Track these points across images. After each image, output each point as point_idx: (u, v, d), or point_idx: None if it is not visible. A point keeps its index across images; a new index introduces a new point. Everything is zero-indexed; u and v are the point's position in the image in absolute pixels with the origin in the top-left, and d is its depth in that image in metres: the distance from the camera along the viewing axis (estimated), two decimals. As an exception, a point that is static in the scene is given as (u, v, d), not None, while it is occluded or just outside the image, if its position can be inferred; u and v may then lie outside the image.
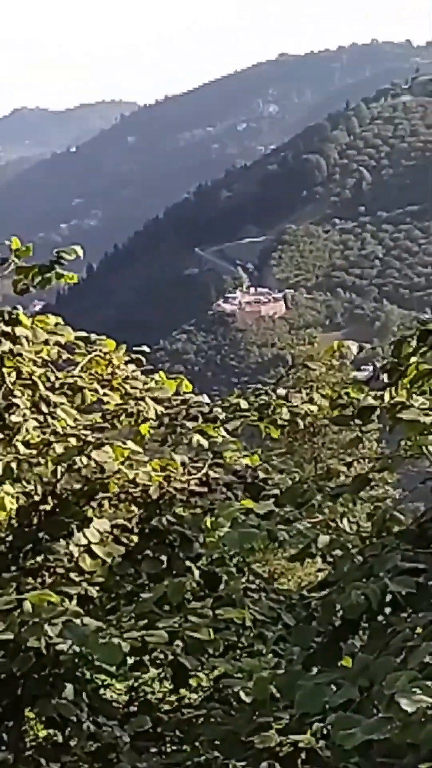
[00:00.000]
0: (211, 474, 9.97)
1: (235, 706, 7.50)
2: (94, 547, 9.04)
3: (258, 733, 7.32)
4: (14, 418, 9.54)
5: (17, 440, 9.47)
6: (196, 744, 7.73)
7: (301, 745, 7.28)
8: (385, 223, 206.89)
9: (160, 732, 7.97)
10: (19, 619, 7.55)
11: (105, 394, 10.48)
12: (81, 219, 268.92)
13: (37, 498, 9.44)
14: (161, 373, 11.36)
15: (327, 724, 6.68)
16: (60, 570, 8.98)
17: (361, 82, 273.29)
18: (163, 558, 9.21)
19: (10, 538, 9.39)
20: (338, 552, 8.20)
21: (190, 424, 10.73)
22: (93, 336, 10.95)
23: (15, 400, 9.62)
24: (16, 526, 9.41)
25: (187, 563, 9.06)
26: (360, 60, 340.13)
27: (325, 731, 6.95)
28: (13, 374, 9.72)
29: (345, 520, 8.73)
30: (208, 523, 9.03)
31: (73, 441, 9.54)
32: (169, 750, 7.81)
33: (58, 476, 9.41)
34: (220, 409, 11.22)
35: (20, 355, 9.82)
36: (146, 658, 8.04)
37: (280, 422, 11.17)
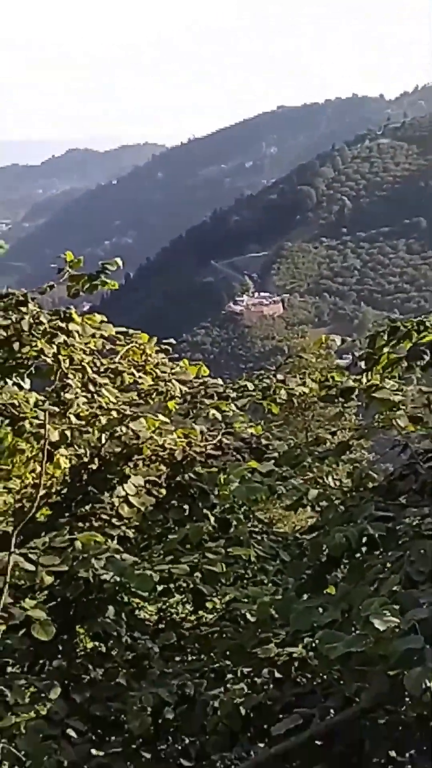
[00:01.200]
0: (224, 441, 10.01)
1: (242, 624, 7.54)
2: (131, 498, 9.09)
3: (260, 646, 7.34)
4: (68, 396, 9.60)
5: (70, 413, 9.52)
6: (211, 654, 7.76)
7: (294, 655, 7.31)
8: (363, 241, 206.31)
9: (182, 645, 8.00)
10: (72, 555, 7.61)
11: (140, 377, 10.52)
12: (120, 237, 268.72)
13: (85, 459, 9.48)
14: (184, 360, 11.39)
15: (315, 639, 6.70)
16: (104, 516, 9.02)
17: (344, 129, 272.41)
18: (186, 507, 9.26)
19: (64, 491, 9.43)
20: (324, 503, 8.22)
21: (207, 401, 10.77)
22: (130, 330, 10.99)
23: (68, 381, 9.68)
24: (69, 482, 9.46)
25: (205, 511, 9.10)
26: (342, 111, 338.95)
27: (313, 644, 6.96)
28: (67, 361, 9.76)
29: (330, 478, 8.74)
30: (221, 480, 9.06)
31: (114, 414, 9.59)
32: (189, 659, 7.84)
33: (103, 442, 9.45)
34: (231, 390, 11.26)
35: (72, 345, 9.87)
36: (172, 586, 8.09)
37: (278, 400, 11.19)
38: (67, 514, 9.12)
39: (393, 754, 7.23)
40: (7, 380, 9.61)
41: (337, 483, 8.81)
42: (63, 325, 10.02)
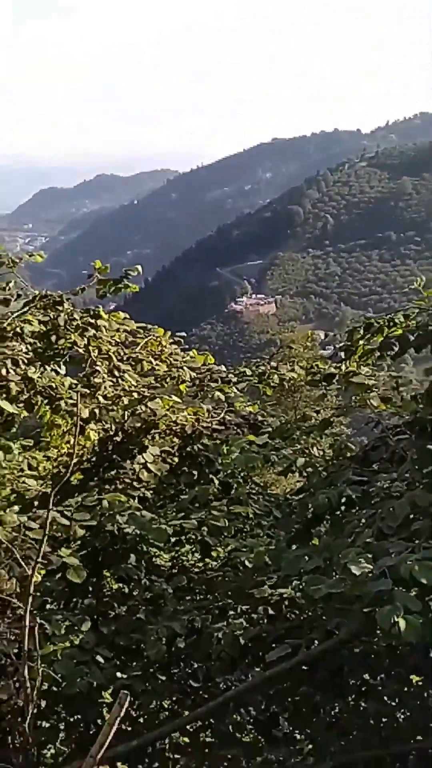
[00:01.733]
0: (227, 417, 10.02)
1: (242, 569, 7.56)
2: (149, 465, 9.11)
3: (256, 588, 7.35)
4: (96, 380, 9.60)
5: (98, 394, 9.52)
6: (216, 594, 7.79)
7: (285, 595, 7.32)
8: (342, 252, 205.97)
9: (191, 586, 8.03)
10: (100, 512, 7.64)
11: (156, 364, 10.53)
12: (140, 249, 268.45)
13: (111, 433, 9.50)
14: (193, 350, 11.40)
15: (302, 582, 6.73)
16: (126, 480, 9.04)
17: (327, 157, 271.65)
18: (195, 473, 9.28)
19: (93, 459, 9.45)
20: (310, 469, 8.22)
21: (212, 385, 10.77)
22: (148, 326, 11.00)
23: (97, 368, 9.69)
24: (98, 451, 9.47)
25: (210, 476, 9.12)
26: (326, 142, 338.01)
27: (301, 587, 6.99)
28: (96, 351, 9.79)
29: (315, 448, 8.74)
30: (224, 450, 9.08)
31: (135, 395, 9.60)
32: (198, 598, 7.87)
33: (125, 418, 9.47)
34: (232, 375, 11.27)
35: (100, 338, 9.90)
36: (183, 538, 8.10)
37: (272, 384, 11.20)
38: (95, 478, 9.15)
39: (367, 677, 7.28)
40: (46, 367, 9.62)
41: (321, 453, 8.81)
42: (92, 321, 10.05)
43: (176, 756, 7.88)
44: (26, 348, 9.62)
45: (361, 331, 7.64)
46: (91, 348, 9.78)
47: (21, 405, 9.20)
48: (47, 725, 7.15)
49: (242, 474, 8.98)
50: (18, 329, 9.78)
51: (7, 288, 10.40)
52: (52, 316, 10.00)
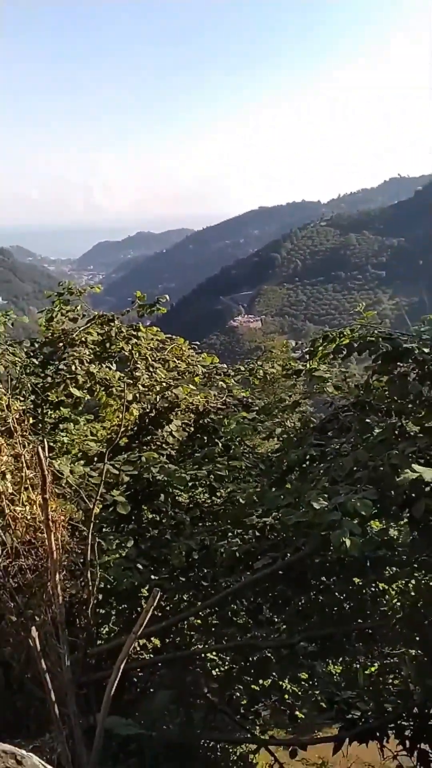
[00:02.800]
0: (227, 400, 10.01)
1: (237, 504, 7.55)
2: (174, 433, 9.10)
3: (248, 517, 7.36)
4: (137, 374, 9.62)
5: (139, 384, 9.54)
6: (220, 521, 7.79)
7: (267, 522, 7.32)
8: (307, 285, 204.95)
9: (203, 516, 8.02)
10: (139, 465, 7.63)
11: (178, 363, 10.53)
12: (167, 283, 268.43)
13: (147, 410, 9.49)
14: (204, 354, 11.39)
15: (279, 513, 6.74)
16: (158, 443, 9.04)
17: (297, 220, 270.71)
18: (205, 438, 9.27)
19: (135, 428, 9.44)
20: (285, 436, 8.22)
21: (217, 377, 10.77)
22: (173, 336, 11.00)
23: (137, 365, 9.71)
24: (138, 423, 9.46)
25: (216, 440, 9.11)
26: (296, 209, 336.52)
27: (278, 517, 6.99)
28: (137, 353, 9.82)
29: (288, 422, 8.74)
30: (226, 422, 9.07)
31: (164, 384, 9.61)
32: (207, 524, 7.86)
33: (157, 400, 9.46)
34: (231, 371, 11.27)
35: (140, 344, 9.91)
36: (197, 483, 8.09)
37: (258, 377, 11.19)
38: (136, 442, 9.16)
39: (323, 579, 7.29)
40: (103, 365, 9.64)
41: (292, 424, 8.81)
42: (134, 332, 10.10)
43: (192, 633, 7.94)
44: (89, 351, 9.64)
45: (321, 341, 7.63)
46: (133, 351, 9.82)
47: (85, 391, 9.22)
48: (102, 612, 7.19)
49: (238, 439, 8.98)
50: (83, 338, 9.81)
51: (76, 310, 10.44)
52: (106, 330, 10.04)
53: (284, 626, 7.40)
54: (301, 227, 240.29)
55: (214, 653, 7.86)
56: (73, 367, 9.18)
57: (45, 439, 6.04)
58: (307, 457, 7.07)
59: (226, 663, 7.98)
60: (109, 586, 6.61)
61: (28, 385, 8.88)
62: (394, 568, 7.08)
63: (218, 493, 8.00)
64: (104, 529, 7.21)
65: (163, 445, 8.95)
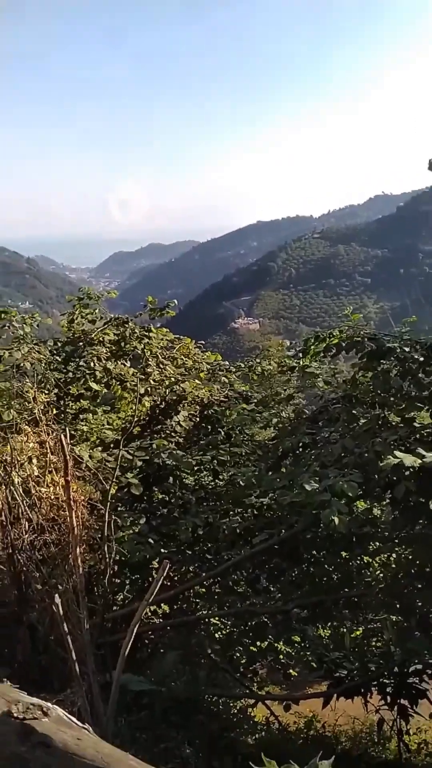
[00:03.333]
0: (229, 393, 10.00)
1: (238, 486, 7.56)
2: (181, 422, 9.10)
3: (246, 497, 7.37)
4: (149, 370, 9.61)
5: (150, 379, 9.53)
6: (222, 501, 7.79)
7: (264, 502, 7.33)
8: (300, 291, 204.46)
9: (207, 497, 8.02)
10: (150, 451, 7.64)
11: (185, 360, 10.52)
12: (175, 289, 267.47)
13: (158, 402, 9.49)
14: (208, 352, 11.39)
15: (275, 494, 6.74)
16: (167, 431, 9.03)
17: (291, 233, 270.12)
18: (209, 427, 9.28)
19: (147, 418, 9.43)
20: (280, 425, 8.23)
21: (220, 373, 10.76)
22: (181, 337, 10.99)
23: (149, 362, 9.69)
24: (150, 414, 9.46)
25: (219, 429, 9.11)
26: (290, 223, 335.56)
27: (274, 497, 7.00)
28: (148, 351, 9.80)
29: (283, 413, 8.74)
30: (228, 413, 9.08)
31: (172, 379, 9.60)
32: (211, 504, 7.86)
33: (166, 393, 9.46)
34: (232, 367, 11.28)
35: (151, 344, 9.89)
36: (201, 467, 8.10)
37: (256, 373, 11.20)
38: (148, 430, 9.15)
39: (314, 552, 7.29)
40: (118, 362, 9.63)
41: (287, 415, 8.81)
42: (146, 333, 10.08)
43: (197, 600, 7.95)
44: (106, 350, 9.65)
45: (312, 340, 7.62)
46: (145, 350, 9.80)
47: (102, 385, 9.23)
48: (118, 581, 7.20)
49: (238, 428, 8.99)
50: (101, 338, 9.81)
51: (94, 313, 10.43)
52: (121, 330, 10.04)
53: (279, 594, 7.41)
54: (295, 239, 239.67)
55: (216, 618, 7.88)
56: (92, 364, 9.19)
57: (67, 428, 6.04)
58: (300, 444, 7.08)
59: (228, 627, 8.00)
60: (123, 559, 6.62)
61: (52, 379, 8.89)
62: (377, 543, 7.10)
63: (221, 476, 8.01)
64: (119, 508, 7.22)
65: (172, 434, 8.94)
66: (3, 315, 9.37)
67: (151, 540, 6.88)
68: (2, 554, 5.77)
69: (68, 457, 5.07)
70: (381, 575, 7.35)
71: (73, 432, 7.62)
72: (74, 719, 1.43)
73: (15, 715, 1.39)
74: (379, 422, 6.49)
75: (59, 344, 10.09)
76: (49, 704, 1.46)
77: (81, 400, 9.12)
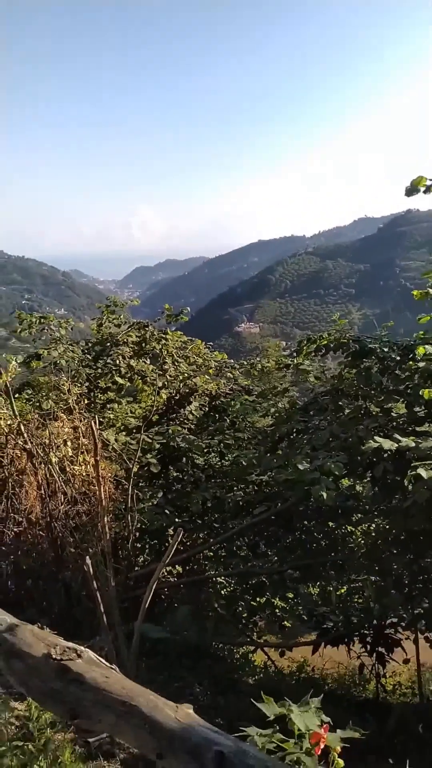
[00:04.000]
0: (234, 387, 9.97)
1: (241, 465, 7.55)
2: (193, 411, 9.09)
3: (248, 475, 7.36)
4: (165, 367, 9.57)
5: (167, 374, 9.51)
6: (227, 479, 7.77)
7: (263, 479, 7.32)
8: (294, 300, 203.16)
9: (215, 475, 7.98)
10: (168, 435, 7.62)
11: (196, 359, 10.48)
12: (188, 298, 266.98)
13: (173, 394, 9.47)
14: (216, 352, 11.34)
15: (272, 472, 6.73)
16: (181, 419, 9.02)
17: (287, 250, 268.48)
18: (217, 416, 9.24)
19: (164, 408, 9.41)
20: (277, 414, 8.21)
21: (226, 369, 10.72)
22: (193, 339, 10.94)
23: (166, 360, 9.66)
24: (166, 404, 9.44)
25: (225, 417, 9.08)
26: (286, 241, 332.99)
27: (272, 475, 6.99)
28: (165, 351, 9.75)
29: (279, 404, 8.72)
30: (232, 404, 9.04)
31: (186, 374, 9.58)
32: (218, 481, 7.83)
33: (180, 387, 9.44)
34: (237, 365, 11.22)
35: (168, 345, 9.86)
36: (210, 449, 8.08)
37: (257, 369, 11.16)
38: (165, 418, 9.15)
39: (305, 522, 7.28)
40: (140, 360, 9.62)
41: (283, 406, 8.79)
42: (164, 335, 10.03)
43: (205, 562, 7.96)
44: (129, 350, 9.63)
45: (305, 342, 7.59)
46: (162, 350, 9.77)
47: (126, 379, 9.22)
48: (139, 546, 7.22)
49: (241, 416, 8.96)
50: (125, 340, 9.80)
51: (119, 318, 10.42)
52: (142, 333, 10.00)
53: (276, 558, 7.41)
54: (291, 255, 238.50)
55: (222, 578, 7.89)
56: (117, 362, 9.19)
57: (96, 416, 6.04)
58: (294, 430, 7.06)
59: (232, 585, 8.01)
60: (143, 527, 6.64)
61: (84, 374, 8.91)
62: (359, 515, 7.09)
63: (226, 457, 8.00)
64: (140, 484, 7.24)
65: (185, 421, 8.94)
66: (43, 320, 9.38)
67: (167, 511, 6.89)
68: (42, 522, 5.80)
69: (97, 441, 5.08)
70: (362, 542, 7.35)
71: (101, 419, 7.64)
72: (103, 660, 1.44)
73: (54, 656, 1.40)
74: (362, 412, 6.47)
75: (90, 345, 10.08)
76: (82, 647, 1.48)
77: (108, 392, 9.13)
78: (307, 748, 1.94)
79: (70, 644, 1.48)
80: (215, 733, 1.17)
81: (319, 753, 1.97)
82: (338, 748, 2.00)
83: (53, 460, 5.77)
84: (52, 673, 1.36)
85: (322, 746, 1.97)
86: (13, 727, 3.39)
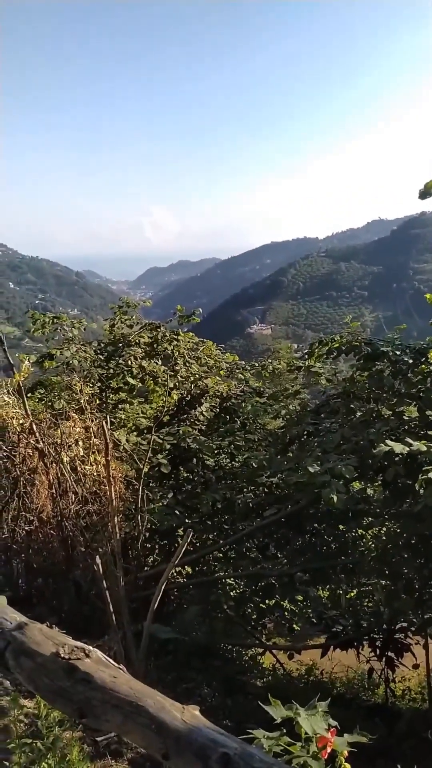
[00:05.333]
0: (244, 388, 9.93)
1: (251, 467, 7.52)
2: (204, 412, 9.06)
3: (259, 477, 7.34)
4: (177, 368, 9.55)
5: (178, 375, 9.50)
6: (237, 480, 7.74)
7: (273, 481, 7.29)
8: (306, 301, 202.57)
9: (225, 476, 7.94)
10: (178, 436, 7.61)
11: (208, 360, 10.47)
12: (200, 300, 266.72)
13: (184, 395, 9.46)
14: (227, 353, 11.32)
15: (283, 474, 6.71)
16: (192, 420, 9.00)
17: (300, 252, 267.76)
18: (227, 417, 9.20)
19: (175, 408, 9.40)
20: (288, 416, 8.18)
21: (237, 371, 10.70)
22: (204, 340, 10.93)
23: (177, 361, 9.65)
24: (178, 405, 9.41)
25: (236, 419, 9.05)
26: (299, 244, 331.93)
27: (282, 477, 6.97)
28: (177, 352, 9.74)
29: (290, 406, 8.69)
30: (243, 405, 9.02)
31: (197, 376, 9.56)
32: (228, 482, 7.81)
33: (191, 388, 9.43)
34: (248, 366, 11.18)
35: (179, 346, 9.85)
36: (221, 450, 8.05)
37: (268, 371, 11.12)
38: (176, 419, 9.14)
39: (315, 525, 7.25)
40: (151, 360, 9.62)
41: (294, 408, 8.76)
42: (175, 336, 10.02)
43: (215, 563, 7.95)
44: (141, 350, 9.64)
45: (317, 344, 7.57)
46: (174, 351, 9.76)
47: (138, 380, 9.24)
48: (149, 546, 7.24)
49: (252, 418, 8.94)
50: (137, 340, 9.82)
51: (132, 319, 10.45)
52: (154, 334, 10.00)
53: (285, 560, 7.38)
54: (303, 257, 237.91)
55: (231, 579, 7.88)
56: (129, 362, 9.21)
57: (107, 416, 6.07)
58: (305, 432, 7.04)
59: (241, 587, 7.99)
60: (153, 527, 6.65)
61: (96, 375, 8.94)
62: (370, 518, 7.04)
63: (237, 459, 7.97)
64: (151, 484, 7.25)
65: (196, 422, 8.93)
66: (56, 320, 9.43)
67: (177, 511, 6.89)
68: (53, 521, 5.83)
69: (108, 441, 5.11)
70: (373, 545, 7.30)
71: (112, 419, 7.66)
72: (111, 660, 1.45)
73: (62, 655, 1.41)
74: (373, 415, 6.44)
75: (102, 345, 10.12)
76: (91, 647, 1.48)
77: (120, 393, 9.16)
78: (314, 751, 1.93)
79: (79, 643, 1.49)
80: (221, 735, 1.18)
81: (326, 757, 1.96)
82: (345, 752, 1.99)
83: (65, 459, 5.80)
84: (60, 671, 1.36)
85: (329, 750, 1.96)
86: (22, 725, 3.42)
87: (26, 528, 5.84)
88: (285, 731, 2.02)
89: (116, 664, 1.44)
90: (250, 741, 1.96)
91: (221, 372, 10.36)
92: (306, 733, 1.97)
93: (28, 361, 6.36)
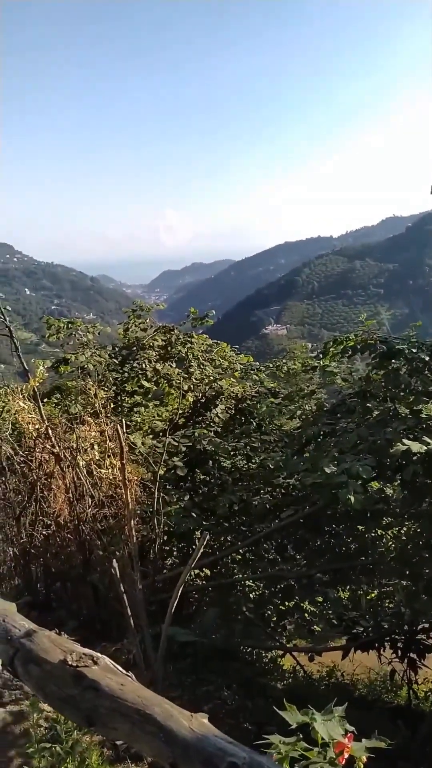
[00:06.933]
0: (259, 389, 9.90)
1: (268, 469, 7.48)
2: (219, 414, 9.05)
3: (275, 478, 7.31)
4: (191, 370, 9.55)
5: (192, 378, 9.51)
6: (254, 482, 7.71)
7: (290, 482, 7.26)
8: (321, 301, 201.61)
9: (241, 478, 7.92)
10: (193, 438, 7.62)
11: (222, 362, 10.45)
12: (214, 301, 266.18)
13: (199, 397, 9.46)
14: (242, 354, 11.31)
15: (300, 476, 6.67)
16: (207, 422, 8.99)
17: (314, 251, 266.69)
18: (243, 418, 9.18)
19: (190, 411, 9.40)
20: (303, 417, 8.13)
21: (252, 372, 10.67)
22: (218, 341, 10.92)
23: (192, 363, 9.65)
24: (192, 407, 9.42)
25: (251, 420, 9.02)
26: (313, 243, 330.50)
27: (299, 479, 6.92)
28: (191, 354, 9.74)
29: (306, 406, 8.63)
30: (258, 406, 8.99)
31: (211, 378, 9.56)
32: (244, 484, 7.78)
33: (206, 390, 9.43)
34: (262, 367, 11.17)
35: (193, 348, 9.85)
36: (236, 452, 8.03)
37: (284, 371, 11.08)
38: (191, 421, 9.14)
39: (333, 526, 7.19)
40: (166, 363, 9.64)
41: (309, 408, 8.70)
42: (189, 339, 10.02)
43: (233, 566, 7.92)
44: (155, 353, 9.67)
45: (332, 343, 7.51)
46: (188, 353, 9.76)
47: (153, 383, 9.26)
48: (166, 548, 7.23)
49: (268, 419, 8.91)
50: (151, 344, 9.84)
51: (146, 322, 10.47)
52: (168, 337, 10.02)
53: (304, 561, 7.34)
54: (317, 257, 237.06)
55: (250, 581, 7.84)
56: (144, 365, 9.23)
57: (123, 419, 6.08)
58: (321, 433, 6.97)
59: (260, 589, 7.95)
60: (170, 529, 6.64)
61: (111, 378, 8.97)
62: (389, 519, 6.96)
63: (253, 460, 7.95)
64: (167, 487, 7.25)
65: (211, 424, 8.92)
66: (71, 324, 9.50)
67: (194, 514, 6.88)
68: (70, 525, 5.86)
69: (124, 444, 5.11)
70: (392, 546, 7.22)
71: (128, 423, 7.68)
72: (120, 668, 1.44)
73: (69, 663, 1.40)
74: (390, 414, 6.35)
75: (117, 349, 10.17)
76: (99, 654, 1.47)
77: (135, 396, 9.19)
78: (331, 757, 1.90)
79: (87, 651, 1.48)
80: (230, 743, 1.15)
81: (344, 762, 1.93)
82: (364, 758, 1.95)
83: (81, 463, 5.82)
84: (68, 679, 1.35)
85: (346, 756, 1.92)
86: (42, 729, 3.43)
87: (44, 532, 5.87)
88: (301, 736, 1.99)
89: (125, 672, 1.43)
90: (266, 746, 1.93)
91: (236, 374, 10.33)
92: (322, 739, 1.93)
93: (44, 366, 6.41)
